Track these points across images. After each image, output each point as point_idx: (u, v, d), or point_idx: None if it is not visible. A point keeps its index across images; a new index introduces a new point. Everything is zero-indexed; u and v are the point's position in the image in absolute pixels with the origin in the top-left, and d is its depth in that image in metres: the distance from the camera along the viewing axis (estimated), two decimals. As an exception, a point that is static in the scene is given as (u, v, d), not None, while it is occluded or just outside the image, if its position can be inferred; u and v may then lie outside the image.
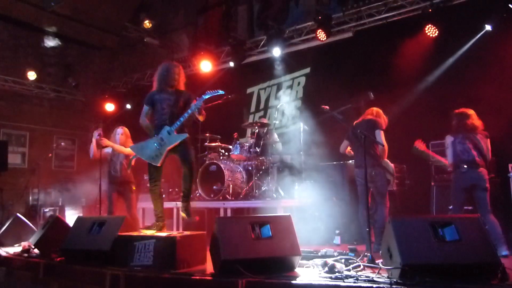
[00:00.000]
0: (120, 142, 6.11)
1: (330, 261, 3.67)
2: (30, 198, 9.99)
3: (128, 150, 5.90)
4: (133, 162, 5.42)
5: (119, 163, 6.13)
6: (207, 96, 4.59)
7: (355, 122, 5.56)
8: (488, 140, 4.98)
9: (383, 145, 5.20)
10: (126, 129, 6.34)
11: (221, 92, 4.69)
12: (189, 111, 4.59)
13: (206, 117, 4.76)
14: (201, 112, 4.65)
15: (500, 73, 6.19)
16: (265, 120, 7.99)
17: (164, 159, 4.67)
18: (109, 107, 11.20)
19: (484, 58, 6.39)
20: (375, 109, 5.60)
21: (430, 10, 6.73)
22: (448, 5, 6.78)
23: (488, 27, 6.38)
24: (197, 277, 3.66)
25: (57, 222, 5.37)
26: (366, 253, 4.07)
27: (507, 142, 5.84)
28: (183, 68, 5.09)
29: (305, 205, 6.47)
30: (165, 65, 4.89)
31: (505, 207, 5.51)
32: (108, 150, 6.20)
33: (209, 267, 3.99)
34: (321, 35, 7.68)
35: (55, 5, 5.61)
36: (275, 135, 7.72)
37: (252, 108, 9.65)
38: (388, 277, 3.31)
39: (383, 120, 5.50)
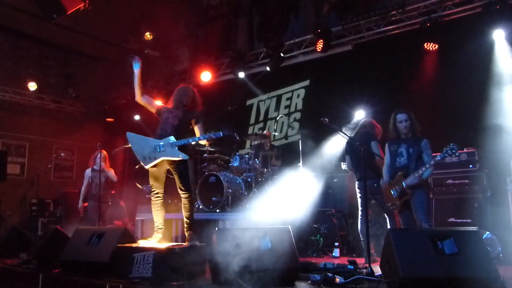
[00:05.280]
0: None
1: (329, 273, 3.67)
2: (29, 208, 9.96)
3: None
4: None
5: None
6: (221, 135, 4.53)
7: (349, 135, 5.57)
8: None
9: (380, 156, 5.21)
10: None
11: (237, 137, 4.65)
12: (201, 137, 4.58)
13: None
14: (209, 141, 4.75)
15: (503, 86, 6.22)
16: (267, 133, 7.99)
17: (156, 166, 4.58)
18: (109, 118, 11.23)
19: (485, 70, 6.43)
20: (367, 120, 5.64)
21: (428, 24, 6.81)
22: (446, 19, 6.86)
23: (497, 32, 6.38)
24: (196, 289, 3.66)
25: (56, 233, 5.36)
26: (365, 266, 4.07)
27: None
28: (183, 80, 5.11)
29: (304, 217, 6.46)
30: (181, 89, 4.92)
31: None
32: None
33: (208, 279, 3.97)
34: (321, 47, 7.75)
35: (57, 17, 5.63)
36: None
37: (252, 120, 9.68)
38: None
39: (377, 130, 5.52)
